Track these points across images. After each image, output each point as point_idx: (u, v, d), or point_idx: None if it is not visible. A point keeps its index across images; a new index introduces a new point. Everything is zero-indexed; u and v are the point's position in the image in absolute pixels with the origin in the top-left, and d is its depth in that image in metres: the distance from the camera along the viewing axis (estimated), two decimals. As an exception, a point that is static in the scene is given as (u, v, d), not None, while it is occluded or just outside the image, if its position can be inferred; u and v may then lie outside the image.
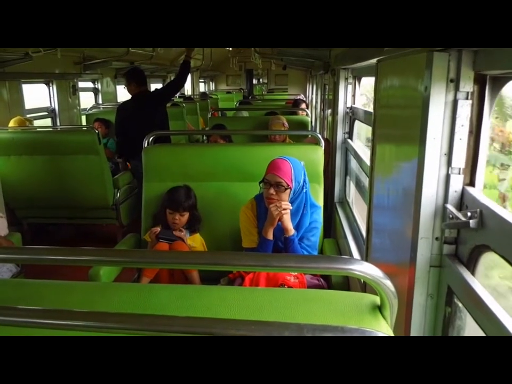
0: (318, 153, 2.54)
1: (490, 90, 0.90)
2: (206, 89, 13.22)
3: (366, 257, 1.67)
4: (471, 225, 0.86)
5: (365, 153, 2.34)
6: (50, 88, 5.24)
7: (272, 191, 2.08)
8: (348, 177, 2.82)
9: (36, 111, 5.13)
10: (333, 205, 2.91)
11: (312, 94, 7.41)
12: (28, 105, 4.84)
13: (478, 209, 0.86)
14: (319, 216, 2.29)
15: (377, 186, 1.54)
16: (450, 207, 0.94)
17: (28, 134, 4.11)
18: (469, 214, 0.87)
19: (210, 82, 14.03)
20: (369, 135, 2.28)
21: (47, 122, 5.32)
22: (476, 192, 0.92)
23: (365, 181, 2.26)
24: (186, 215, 2.37)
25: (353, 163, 2.64)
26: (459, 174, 0.95)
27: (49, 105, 5.29)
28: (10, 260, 0.79)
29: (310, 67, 5.93)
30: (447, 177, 0.96)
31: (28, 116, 4.75)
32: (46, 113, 5.27)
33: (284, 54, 4.44)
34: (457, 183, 0.95)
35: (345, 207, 2.76)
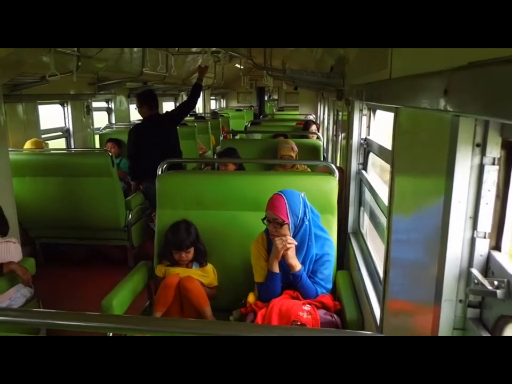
0: (331, 184, 2.53)
1: (518, 156, 0.88)
2: (217, 107, 13.32)
3: (382, 316, 1.63)
4: (498, 295, 0.84)
5: (380, 187, 2.31)
6: (65, 108, 5.31)
7: (272, 227, 2.12)
8: (361, 208, 2.80)
9: (51, 131, 5.19)
10: (346, 236, 2.88)
11: (323, 114, 7.42)
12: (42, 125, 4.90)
13: (506, 280, 0.84)
14: (331, 249, 2.27)
15: (395, 243, 1.52)
16: (475, 272, 0.92)
17: (43, 156, 4.16)
18: (495, 283, 0.85)
19: (221, 100, 14.15)
20: (385, 165, 2.27)
21: (61, 141, 5.38)
22: (503, 258, 0.90)
23: (380, 215, 2.23)
24: (191, 250, 2.41)
25: (368, 195, 2.62)
26: (484, 237, 0.93)
27: (63, 125, 5.35)
28: (25, 323, 0.80)
29: (321, 89, 5.95)
30: (472, 240, 0.94)
31: (43, 136, 4.81)
32: (61, 133, 5.33)
33: (295, 78, 4.45)
34: (482, 247, 0.93)
35: (359, 238, 2.73)
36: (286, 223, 2.09)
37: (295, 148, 3.96)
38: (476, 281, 0.92)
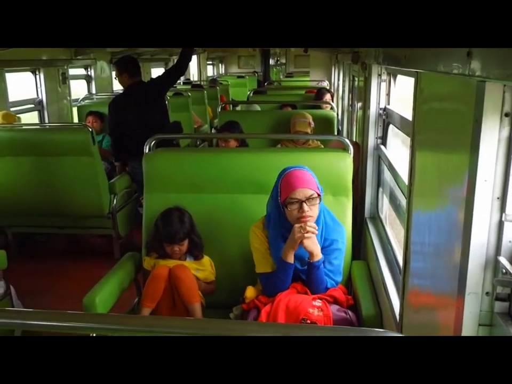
0: (346, 161, 2.51)
1: (553, 127, 0.89)
2: (214, 73, 13.24)
3: (401, 311, 1.66)
4: (528, 287, 0.86)
5: (401, 165, 2.32)
6: (37, 76, 5.29)
7: (306, 208, 2.03)
8: (380, 189, 2.81)
9: (21, 103, 5.19)
10: (363, 221, 2.90)
11: (338, 80, 7.37)
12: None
13: (538, 269, 0.86)
14: (342, 236, 2.26)
15: (416, 228, 1.54)
16: (503, 260, 0.94)
17: (13, 132, 4.16)
18: (526, 272, 0.87)
19: (220, 65, 14.04)
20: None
21: (34, 116, 5.38)
22: (535, 245, 0.92)
23: (401, 197, 2.25)
24: (185, 242, 2.41)
25: (387, 174, 2.62)
26: (515, 221, 0.95)
27: (35, 96, 5.34)
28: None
29: (335, 51, 5.91)
30: (500, 224, 0.96)
31: (12, 109, 4.81)
32: (33, 105, 5.33)
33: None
34: (511, 232, 0.95)
35: (377, 224, 2.74)
36: (320, 196, 2.06)
37: (312, 123, 3.87)
38: (504, 270, 0.94)
